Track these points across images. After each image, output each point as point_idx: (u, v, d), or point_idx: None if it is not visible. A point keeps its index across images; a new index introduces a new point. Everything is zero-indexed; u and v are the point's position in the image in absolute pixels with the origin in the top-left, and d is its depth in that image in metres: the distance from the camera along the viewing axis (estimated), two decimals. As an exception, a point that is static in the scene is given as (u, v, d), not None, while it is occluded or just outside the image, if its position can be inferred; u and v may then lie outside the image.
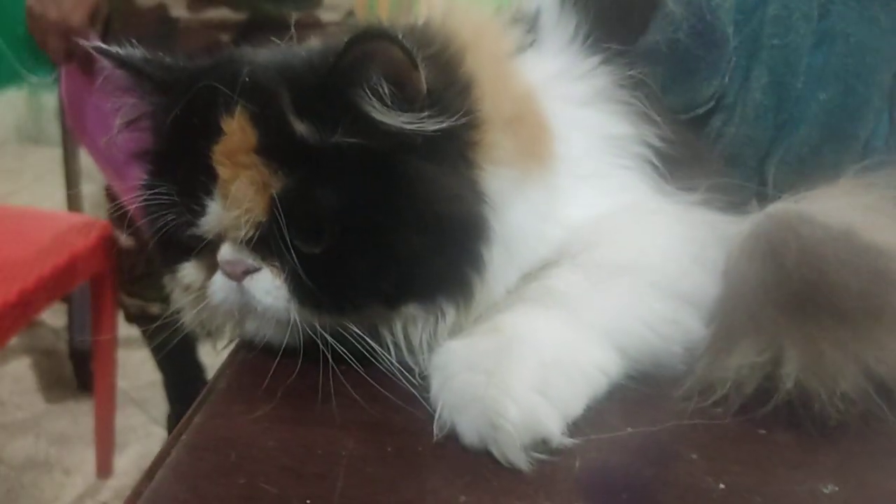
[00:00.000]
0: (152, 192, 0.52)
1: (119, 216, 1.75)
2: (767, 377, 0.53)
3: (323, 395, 0.52)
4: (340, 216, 0.50)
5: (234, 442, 0.48)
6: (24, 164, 3.41)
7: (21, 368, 2.16)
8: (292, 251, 0.50)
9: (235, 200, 0.50)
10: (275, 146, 0.50)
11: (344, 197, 0.50)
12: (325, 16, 1.77)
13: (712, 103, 0.68)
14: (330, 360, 0.52)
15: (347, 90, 0.49)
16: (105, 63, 0.54)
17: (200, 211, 0.51)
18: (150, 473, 0.46)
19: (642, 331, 0.54)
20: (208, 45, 1.65)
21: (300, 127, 0.49)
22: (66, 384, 2.10)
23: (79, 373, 2.10)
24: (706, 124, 0.69)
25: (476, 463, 0.47)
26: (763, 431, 0.52)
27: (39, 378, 2.14)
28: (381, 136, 0.50)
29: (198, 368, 1.86)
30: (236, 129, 0.50)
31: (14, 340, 2.01)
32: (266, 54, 0.56)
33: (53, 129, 3.03)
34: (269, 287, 0.52)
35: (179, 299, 0.58)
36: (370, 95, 0.49)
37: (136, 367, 2.08)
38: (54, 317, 2.24)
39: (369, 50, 0.48)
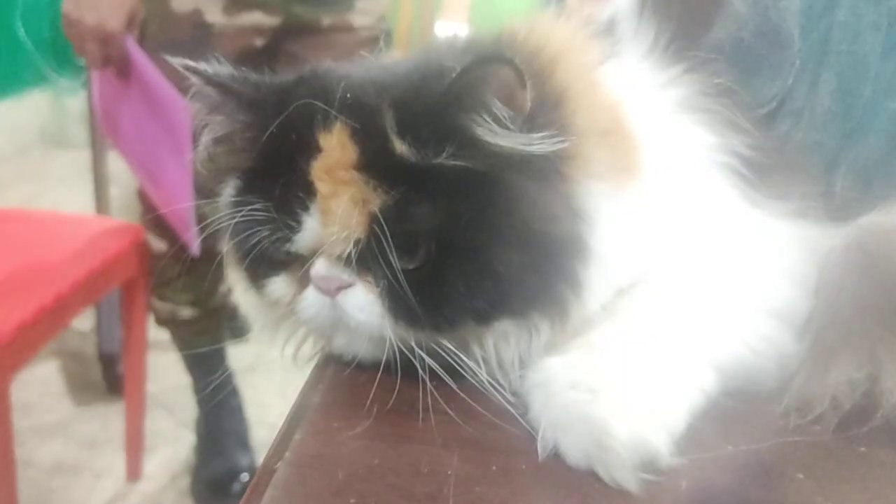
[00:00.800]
0: (248, 208, 0.51)
1: (151, 220, 1.76)
2: (866, 394, 0.52)
3: (418, 411, 0.51)
4: (438, 233, 0.50)
5: (338, 460, 0.48)
6: (48, 167, 3.42)
7: (49, 372, 2.17)
8: (388, 269, 0.49)
9: (335, 217, 0.50)
10: (375, 163, 0.50)
11: (442, 214, 0.49)
12: (358, 20, 1.78)
13: (774, 104, 0.67)
14: (425, 376, 0.51)
15: (460, 114, 0.49)
16: (193, 80, 0.54)
17: (297, 227, 0.51)
18: (257, 492, 0.45)
19: (737, 347, 0.54)
20: (242, 50, 1.66)
21: (402, 147, 0.49)
22: (94, 387, 2.11)
23: (107, 376, 2.11)
24: (773, 128, 0.68)
25: (582, 483, 0.47)
26: (864, 450, 0.51)
27: (68, 381, 2.14)
28: (484, 157, 0.50)
29: (227, 372, 1.86)
30: (336, 146, 0.50)
31: (41, 343, 2.01)
32: (358, 70, 0.56)
33: (77, 132, 3.04)
34: (362, 303, 0.51)
35: (262, 316, 0.57)
36: (487, 119, 0.48)
37: (164, 371, 2.08)
38: (82, 320, 2.24)
39: (485, 74, 0.48)
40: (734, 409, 0.53)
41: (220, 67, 0.55)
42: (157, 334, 1.87)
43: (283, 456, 0.48)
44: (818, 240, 0.58)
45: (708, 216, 0.58)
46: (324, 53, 1.73)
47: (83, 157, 2.21)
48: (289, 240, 0.51)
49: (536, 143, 0.50)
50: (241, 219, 0.52)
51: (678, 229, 0.57)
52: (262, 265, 0.54)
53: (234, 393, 1.90)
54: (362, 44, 1.79)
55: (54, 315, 1.51)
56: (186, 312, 1.80)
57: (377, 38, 1.83)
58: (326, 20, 1.76)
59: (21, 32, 2.96)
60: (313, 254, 0.52)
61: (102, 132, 1.99)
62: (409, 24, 3.57)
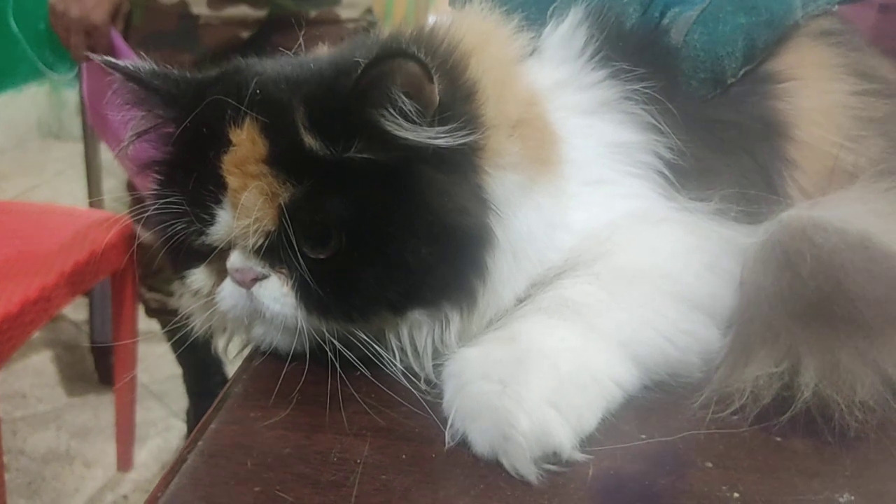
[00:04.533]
0: (163, 201, 0.52)
1: (140, 212, 1.77)
2: (785, 386, 0.52)
3: (336, 401, 0.52)
4: (348, 224, 0.50)
5: (250, 449, 0.48)
6: (45, 158, 3.44)
7: (43, 362, 2.19)
8: (300, 259, 0.50)
9: (245, 210, 0.50)
10: (284, 157, 0.50)
11: (352, 206, 0.50)
12: (344, 13, 1.78)
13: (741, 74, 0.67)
14: (338, 366, 0.52)
15: (368, 109, 0.49)
16: (115, 76, 0.55)
17: (210, 220, 0.52)
18: (166, 480, 0.46)
19: (659, 342, 0.54)
20: (228, 42, 1.67)
21: (312, 142, 0.50)
22: (87, 378, 2.13)
23: (99, 366, 2.13)
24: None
25: (489, 472, 0.47)
26: (780, 440, 0.52)
27: (61, 371, 2.16)
28: (394, 150, 0.50)
29: (217, 363, 1.87)
30: (246, 140, 0.51)
31: (36, 334, 2.02)
32: (274, 66, 0.57)
33: (75, 124, 3.06)
34: (276, 294, 0.52)
35: (189, 304, 0.58)
36: (393, 114, 0.49)
37: (156, 361, 2.10)
38: (75, 311, 2.26)
39: (389, 69, 0.48)
40: (655, 400, 0.54)
41: (141, 64, 0.56)
42: (149, 325, 1.88)
43: (195, 445, 0.49)
44: (739, 237, 0.58)
45: (629, 210, 0.59)
46: (309, 46, 1.74)
47: (80, 148, 2.23)
48: (203, 232, 0.52)
49: (442, 137, 0.50)
50: (158, 211, 0.53)
51: (598, 222, 0.58)
52: (182, 257, 0.55)
53: (223, 383, 1.91)
54: (348, 36, 1.80)
55: (39, 306, 1.52)
56: (176, 303, 1.81)
57: (364, 31, 1.83)
58: (313, 13, 1.76)
59: (14, 27, 3.00)
60: (229, 246, 0.53)
61: (91, 124, 2.01)
62: (404, 18, 3.57)
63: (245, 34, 1.70)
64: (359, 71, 0.48)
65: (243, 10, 1.66)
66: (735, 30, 0.65)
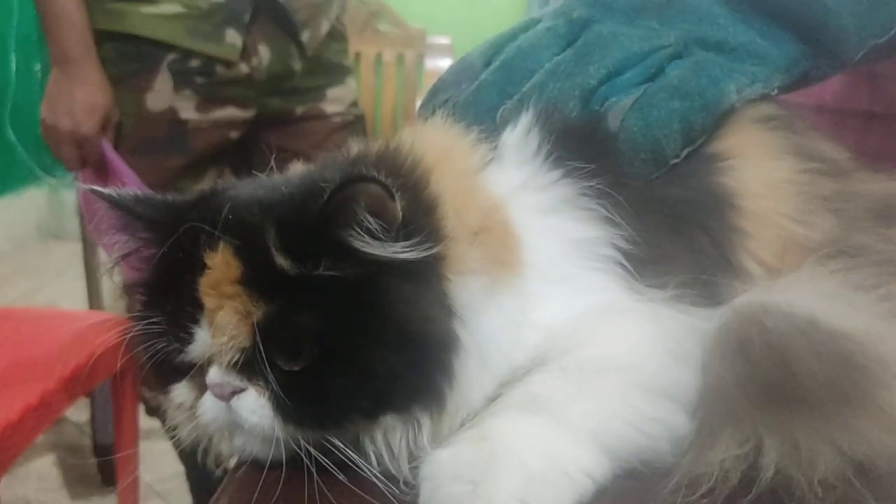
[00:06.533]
0: (145, 322, 0.56)
1: (129, 335, 1.78)
2: (750, 467, 0.54)
3: (317, 506, 0.53)
4: (319, 338, 0.53)
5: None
6: (46, 260, 3.49)
7: (45, 466, 2.19)
8: (271, 373, 0.53)
9: (220, 328, 0.53)
10: (257, 277, 0.54)
11: (322, 320, 0.53)
12: (329, 108, 1.84)
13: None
14: (314, 472, 0.54)
15: (335, 230, 0.53)
16: (99, 204, 0.58)
17: (188, 338, 0.55)
18: None
19: (627, 431, 0.56)
20: (218, 143, 1.72)
21: (283, 262, 0.53)
22: (90, 480, 2.13)
23: (102, 468, 2.13)
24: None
25: (466, 570, 0.49)
26: (749, 520, 0.53)
27: (64, 475, 2.16)
28: (360, 265, 0.53)
29: (219, 459, 1.87)
30: (220, 263, 0.54)
31: (39, 437, 2.03)
32: (247, 189, 0.60)
33: (73, 225, 3.11)
34: (254, 406, 0.55)
35: (174, 417, 0.61)
36: (360, 232, 0.53)
37: (158, 459, 2.10)
38: (77, 412, 2.27)
39: (352, 192, 0.52)
40: (627, 488, 0.55)
41: (124, 191, 0.59)
42: (150, 423, 1.89)
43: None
44: (698, 322, 0.60)
45: (592, 304, 0.61)
46: (298, 141, 1.79)
47: (80, 248, 2.27)
48: (183, 350, 0.55)
49: (407, 250, 0.53)
50: (140, 331, 0.56)
51: (563, 317, 0.60)
52: (164, 373, 0.58)
53: (225, 479, 1.91)
54: (336, 129, 1.84)
55: (40, 412, 1.53)
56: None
57: (351, 123, 1.88)
58: (299, 109, 1.81)
59: (11, 134, 3.08)
60: (209, 361, 0.55)
61: (89, 229, 2.05)
62: (393, 108, 3.67)
63: (234, 134, 1.75)
64: (325, 195, 0.52)
65: (231, 112, 1.71)
66: (670, 114, 0.68)
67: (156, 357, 0.56)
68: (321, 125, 1.83)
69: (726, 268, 0.66)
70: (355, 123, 1.90)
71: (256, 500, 0.54)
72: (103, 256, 2.20)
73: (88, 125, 1.58)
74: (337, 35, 1.85)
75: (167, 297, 0.55)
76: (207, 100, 1.66)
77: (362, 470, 0.55)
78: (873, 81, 1.00)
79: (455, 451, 0.54)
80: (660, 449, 0.57)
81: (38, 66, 3.49)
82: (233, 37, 1.63)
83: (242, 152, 1.79)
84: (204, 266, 0.54)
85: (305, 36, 1.73)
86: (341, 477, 0.54)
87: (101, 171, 1.63)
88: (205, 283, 0.54)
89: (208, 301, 0.54)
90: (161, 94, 1.62)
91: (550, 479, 0.52)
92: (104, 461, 2.12)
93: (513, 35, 0.78)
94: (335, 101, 1.85)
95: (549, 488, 0.52)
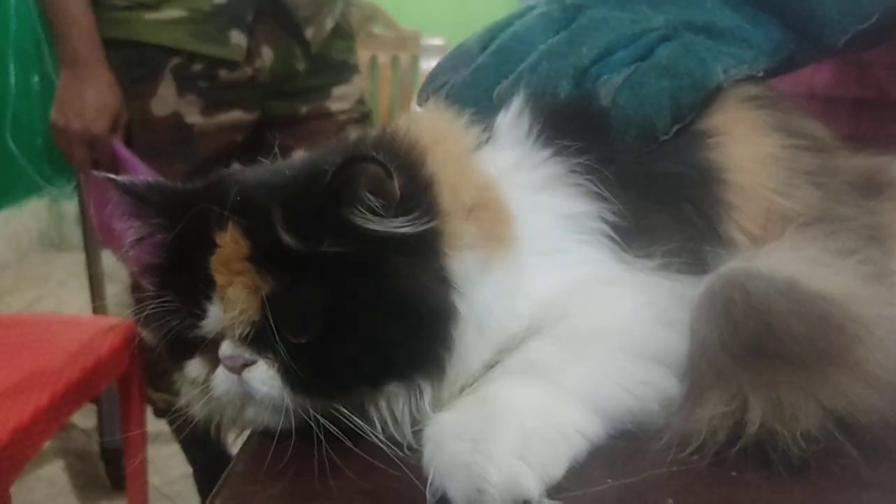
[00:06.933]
0: (159, 300, 0.59)
1: (142, 311, 1.81)
2: (737, 424, 0.57)
3: (324, 471, 0.56)
4: (324, 311, 0.56)
5: (250, 522, 0.53)
6: (48, 270, 3.52)
7: (55, 472, 2.21)
8: (281, 345, 0.56)
9: (231, 303, 0.57)
10: (265, 254, 0.57)
11: (326, 294, 0.56)
12: (335, 106, 1.84)
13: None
14: (323, 440, 0.57)
15: (338, 208, 0.56)
16: (113, 192, 0.61)
17: (202, 314, 0.58)
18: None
19: (619, 393, 0.59)
20: (224, 147, 1.72)
21: (289, 240, 0.56)
22: (99, 485, 2.15)
23: (111, 472, 2.15)
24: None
25: (468, 524, 0.52)
26: (735, 474, 0.56)
27: (73, 480, 2.19)
28: (362, 241, 0.57)
29: (227, 459, 1.89)
30: (229, 242, 0.57)
31: (47, 444, 2.06)
32: (253, 173, 0.64)
33: (75, 234, 3.14)
34: (264, 377, 0.58)
35: (187, 392, 0.64)
36: (361, 210, 0.56)
37: (166, 462, 2.12)
38: (85, 418, 2.29)
39: (355, 172, 0.55)
40: (620, 447, 0.58)
41: (138, 178, 0.63)
42: (158, 426, 1.91)
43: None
44: (685, 289, 0.63)
45: (583, 275, 0.64)
46: (305, 141, 1.80)
47: (82, 257, 2.29)
48: (196, 325, 0.58)
49: (406, 226, 0.57)
50: (155, 310, 0.59)
51: (556, 288, 0.63)
52: (178, 349, 0.61)
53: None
54: (341, 127, 1.85)
55: (50, 416, 1.56)
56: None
57: (357, 121, 1.89)
58: (304, 109, 1.81)
59: (12, 145, 3.10)
60: (220, 336, 0.58)
61: (99, 238, 2.06)
62: (388, 105, 3.70)
63: (240, 137, 1.75)
64: (328, 176, 0.55)
65: (237, 115, 1.71)
66: (659, 91, 0.71)
67: (169, 334, 0.59)
68: (327, 124, 1.84)
69: (713, 238, 0.69)
70: (362, 121, 1.90)
71: (268, 466, 0.57)
72: (107, 262, 2.23)
73: (99, 125, 1.60)
74: (342, 33, 1.85)
75: (180, 277, 0.59)
76: (212, 104, 1.68)
77: (368, 436, 0.58)
78: (862, 69, 1.03)
79: (456, 414, 0.57)
80: (651, 410, 0.60)
81: (36, 78, 3.53)
82: (237, 37, 1.65)
83: (248, 154, 1.80)
84: (214, 245, 0.57)
85: (309, 33, 1.74)
86: (348, 443, 0.58)
87: (114, 171, 1.64)
88: (215, 261, 0.57)
89: (219, 278, 0.57)
90: (165, 100, 1.64)
91: (547, 438, 0.55)
92: (112, 465, 2.15)
93: (509, 21, 0.82)
94: (341, 99, 1.85)
95: (546, 445, 0.54)
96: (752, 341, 0.57)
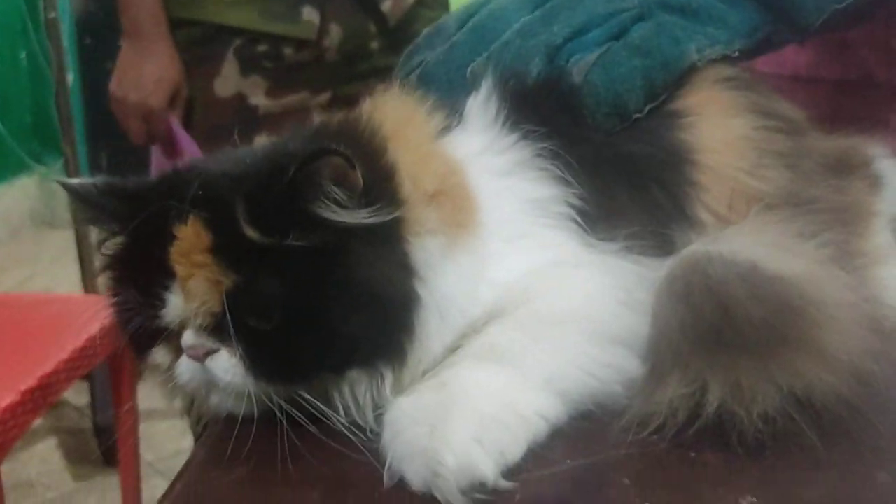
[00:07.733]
0: (119, 295, 0.60)
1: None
2: (697, 405, 0.57)
3: (286, 457, 0.57)
4: (286, 300, 0.57)
5: (211, 506, 0.54)
6: (40, 247, 3.52)
7: (48, 449, 2.23)
8: (241, 336, 0.57)
9: (191, 295, 0.57)
10: (227, 247, 0.57)
11: (289, 284, 0.57)
12: None
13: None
14: (286, 425, 0.57)
15: (302, 202, 0.56)
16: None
17: (162, 304, 0.58)
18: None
19: (581, 376, 0.59)
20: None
21: (253, 234, 0.56)
22: (92, 461, 2.17)
23: (104, 449, 2.16)
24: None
25: (427, 505, 0.53)
26: (693, 455, 0.57)
27: (66, 457, 2.20)
28: (325, 233, 0.57)
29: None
30: (190, 234, 0.57)
31: (39, 421, 2.07)
32: (213, 164, 0.64)
33: (66, 212, 3.14)
34: (227, 366, 0.58)
35: (154, 379, 0.64)
36: (326, 202, 0.56)
37: (160, 439, 2.14)
38: (77, 395, 2.31)
39: (318, 165, 0.55)
40: (581, 429, 0.59)
41: (87, 182, 0.63)
42: (152, 403, 1.92)
43: (163, 505, 0.54)
44: (648, 271, 0.64)
45: (548, 259, 0.65)
46: None
47: (73, 235, 2.30)
48: (158, 316, 0.59)
49: (370, 216, 0.57)
50: (115, 304, 0.61)
51: (520, 273, 0.64)
52: (143, 338, 0.61)
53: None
54: None
55: (39, 394, 1.57)
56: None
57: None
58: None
59: (-1, 126, 3.10)
60: (182, 325, 0.59)
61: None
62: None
63: (309, 120, 1.68)
64: (291, 169, 0.55)
65: (304, 97, 1.62)
66: (632, 70, 0.72)
67: (129, 326, 0.60)
68: None
69: (681, 219, 0.70)
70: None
71: (232, 451, 0.58)
72: (96, 242, 2.22)
73: (156, 98, 1.54)
74: (431, 1, 1.70)
75: (141, 269, 0.59)
76: (277, 85, 1.58)
77: (331, 421, 0.59)
78: (846, 50, 1.03)
79: (415, 398, 0.58)
80: (613, 392, 0.60)
81: (23, 55, 3.51)
82: (310, 13, 1.55)
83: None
84: (174, 238, 0.58)
85: (387, 5, 1.62)
86: (311, 429, 0.58)
87: (169, 147, 1.60)
88: (175, 252, 0.57)
89: (179, 270, 0.57)
90: (229, 80, 1.56)
91: (505, 421, 0.56)
92: (105, 442, 2.16)
93: (486, 0, 0.81)
94: None
95: (503, 429, 0.55)
96: (711, 326, 0.57)
